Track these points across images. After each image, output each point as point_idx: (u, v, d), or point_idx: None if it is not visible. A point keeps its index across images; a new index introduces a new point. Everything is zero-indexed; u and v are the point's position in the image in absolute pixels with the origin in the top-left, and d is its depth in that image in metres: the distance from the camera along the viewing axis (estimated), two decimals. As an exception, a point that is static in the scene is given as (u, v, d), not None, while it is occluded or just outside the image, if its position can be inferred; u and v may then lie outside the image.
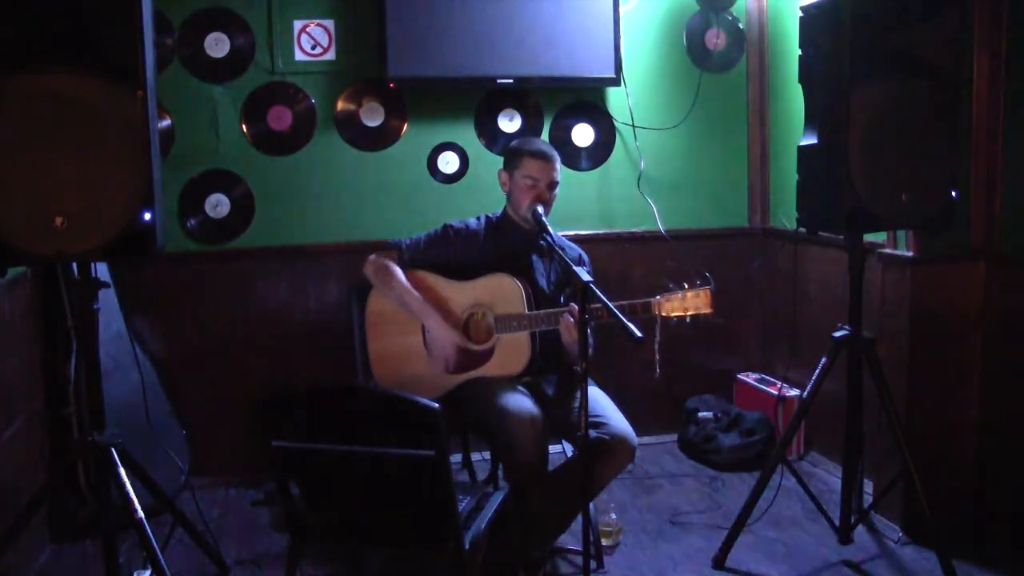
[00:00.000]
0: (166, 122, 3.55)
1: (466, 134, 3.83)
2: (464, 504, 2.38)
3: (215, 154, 3.62)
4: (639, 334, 2.16)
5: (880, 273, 3.14)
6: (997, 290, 3.04)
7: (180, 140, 3.59)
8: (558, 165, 2.93)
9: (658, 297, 2.76)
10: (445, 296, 2.90)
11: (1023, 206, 2.98)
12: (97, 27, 2.15)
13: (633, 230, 4.00)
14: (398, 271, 2.89)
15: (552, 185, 2.91)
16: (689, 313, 2.75)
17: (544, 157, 2.90)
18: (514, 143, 3.07)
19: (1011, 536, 2.95)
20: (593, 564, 2.89)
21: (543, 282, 2.98)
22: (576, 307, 2.48)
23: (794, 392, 3.82)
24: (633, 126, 3.94)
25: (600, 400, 2.82)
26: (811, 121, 2.70)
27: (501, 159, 3.07)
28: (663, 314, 2.75)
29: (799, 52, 2.73)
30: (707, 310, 2.75)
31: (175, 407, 3.52)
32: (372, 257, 2.95)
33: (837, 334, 2.81)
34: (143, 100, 2.18)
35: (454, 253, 2.96)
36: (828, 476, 3.62)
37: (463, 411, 2.81)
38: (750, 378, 4.10)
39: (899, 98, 2.59)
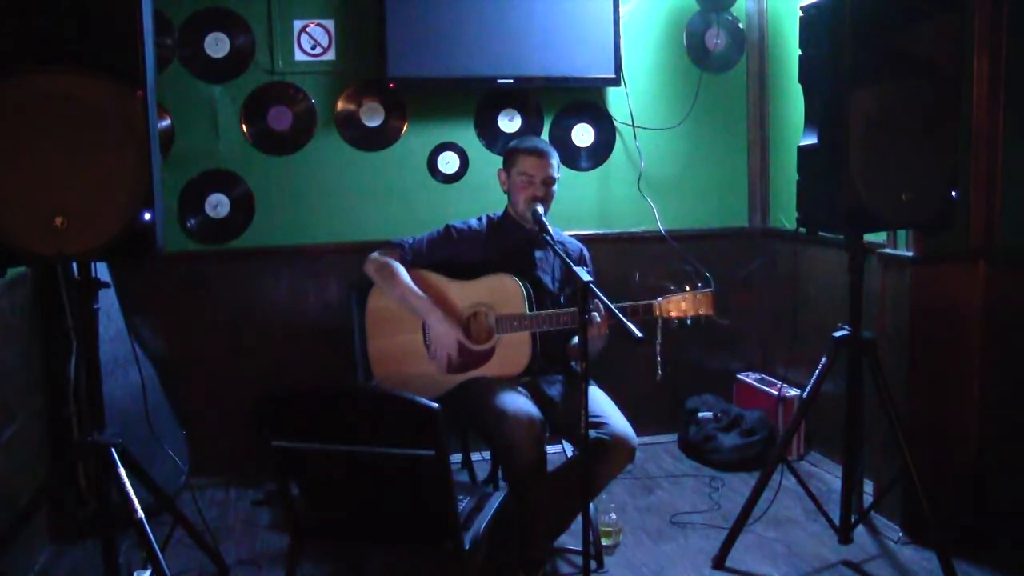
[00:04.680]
0: (166, 122, 3.55)
1: (466, 134, 3.83)
2: (464, 504, 2.38)
3: (215, 154, 3.62)
4: (639, 334, 2.16)
5: (880, 273, 3.14)
6: (997, 290, 3.04)
7: (180, 140, 3.58)
8: (554, 161, 2.93)
9: (659, 299, 2.76)
10: (447, 296, 2.90)
11: (1023, 206, 2.98)
12: (97, 27, 2.15)
13: (633, 230, 4.00)
14: (400, 268, 2.90)
15: (548, 181, 2.91)
16: (690, 315, 2.75)
17: (538, 153, 2.91)
18: (511, 143, 3.08)
19: (1011, 536, 2.95)
20: (593, 564, 2.89)
21: (547, 279, 2.99)
22: (602, 307, 2.48)
23: (794, 392, 3.82)
24: (633, 126, 3.94)
25: (600, 400, 2.82)
26: (811, 121, 2.71)
27: (501, 159, 3.07)
28: (664, 316, 2.75)
29: (799, 52, 2.73)
30: (709, 312, 2.74)
31: (175, 407, 3.52)
32: (374, 255, 2.95)
33: (837, 334, 2.81)
34: (143, 100, 2.18)
35: (456, 253, 2.97)
36: (828, 476, 3.62)
37: (463, 411, 2.81)
38: (750, 378, 4.10)
39: (899, 98, 2.59)
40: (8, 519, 2.55)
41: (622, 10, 3.75)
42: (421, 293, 2.85)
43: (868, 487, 3.19)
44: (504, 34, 3.63)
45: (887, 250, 3.13)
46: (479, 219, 3.07)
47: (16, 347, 2.97)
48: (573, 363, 2.97)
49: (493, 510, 2.40)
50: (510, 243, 2.98)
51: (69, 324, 3.14)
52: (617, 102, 3.94)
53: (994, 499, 3.06)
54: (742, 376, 4.14)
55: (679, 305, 2.75)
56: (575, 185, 3.92)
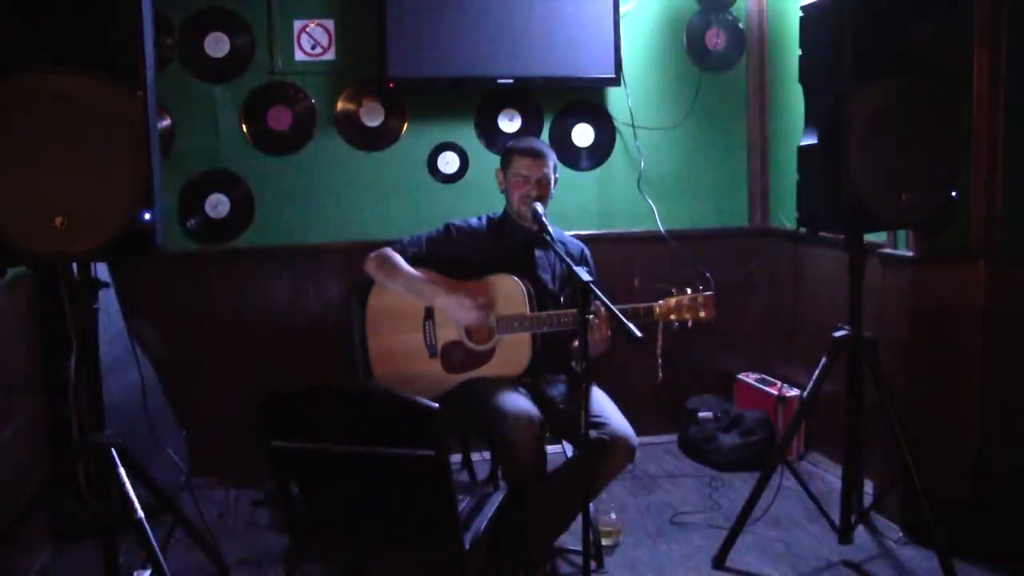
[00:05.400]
0: (166, 122, 3.55)
1: (466, 134, 3.83)
2: (464, 504, 2.38)
3: (215, 154, 3.62)
4: (639, 334, 2.16)
5: (880, 273, 3.14)
6: (997, 290, 3.04)
7: (180, 140, 3.59)
8: (550, 162, 2.93)
9: (660, 301, 2.76)
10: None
11: (1023, 206, 2.98)
12: (97, 27, 2.15)
13: (633, 230, 4.00)
14: (401, 259, 2.89)
15: (544, 181, 2.91)
16: (690, 318, 2.74)
17: (532, 153, 2.91)
18: (508, 143, 3.09)
19: (1011, 536, 2.95)
20: (593, 564, 2.89)
21: (547, 278, 2.98)
22: (603, 309, 2.48)
23: (794, 392, 3.82)
24: (633, 126, 3.94)
25: (600, 400, 2.82)
26: (811, 121, 2.71)
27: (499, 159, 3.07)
28: (665, 319, 2.75)
29: (799, 52, 2.73)
30: (710, 315, 2.74)
31: (175, 407, 3.52)
32: (372, 253, 2.95)
33: (837, 334, 2.81)
34: (143, 100, 2.18)
35: (455, 252, 2.96)
36: (828, 476, 3.62)
37: (463, 411, 2.81)
38: (750, 378, 4.10)
39: (899, 98, 2.59)
40: (8, 519, 2.54)
41: (622, 10, 3.76)
42: (424, 277, 2.85)
43: (868, 487, 3.18)
44: (504, 34, 3.63)
45: (887, 250, 3.13)
46: (479, 218, 3.07)
47: (16, 347, 2.97)
48: (573, 363, 2.97)
49: (493, 510, 2.40)
50: (510, 242, 2.98)
51: (69, 324, 3.13)
52: (617, 102, 3.94)
53: (994, 499, 3.06)
54: (742, 376, 4.14)
55: (680, 308, 2.75)
56: (575, 185, 3.92)
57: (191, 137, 3.59)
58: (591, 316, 2.54)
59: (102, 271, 3.15)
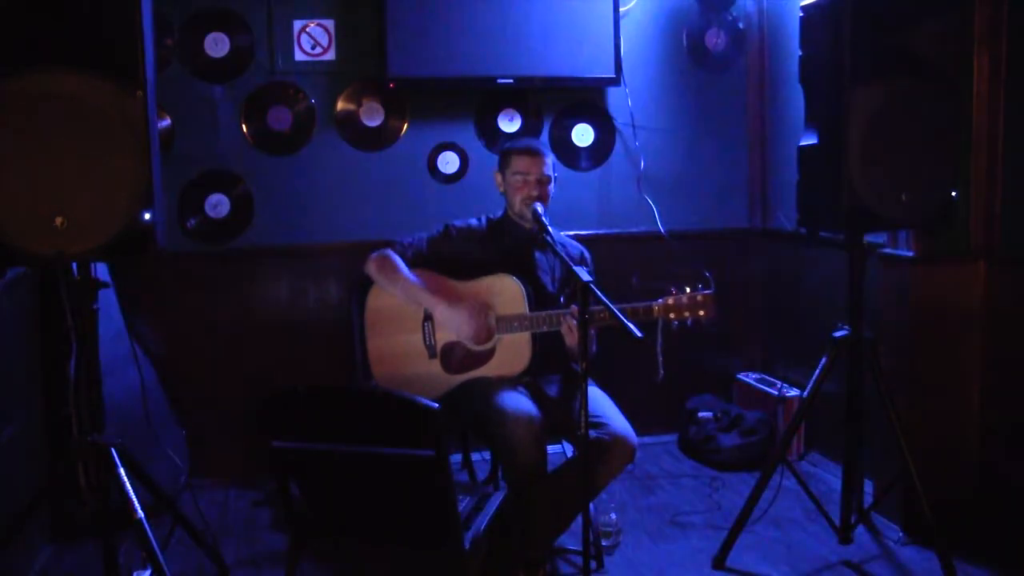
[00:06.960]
0: (166, 122, 3.55)
1: (466, 134, 3.83)
2: (464, 504, 2.38)
3: (215, 154, 3.62)
4: (639, 333, 2.16)
5: (880, 273, 3.14)
6: (997, 290, 3.04)
7: (180, 140, 3.58)
8: (547, 159, 2.94)
9: (659, 300, 2.76)
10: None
11: (1023, 206, 2.98)
12: (98, 27, 2.15)
13: (633, 230, 4.00)
14: (401, 263, 2.90)
15: (543, 179, 2.91)
16: (690, 317, 2.74)
17: (530, 152, 2.92)
18: (505, 144, 3.10)
19: (1011, 537, 2.95)
20: (593, 564, 2.89)
21: (546, 279, 2.98)
22: (576, 309, 2.49)
23: (794, 392, 3.82)
24: (633, 126, 3.94)
25: (600, 400, 2.82)
26: (811, 121, 2.71)
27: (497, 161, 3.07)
28: (664, 318, 2.75)
29: (799, 52, 2.73)
30: (708, 313, 2.74)
31: (175, 407, 3.52)
32: (373, 255, 2.95)
33: (837, 334, 2.81)
34: (143, 100, 2.18)
35: (455, 252, 2.97)
36: (828, 476, 3.62)
37: (463, 411, 2.81)
38: (750, 378, 4.10)
39: (899, 98, 2.59)
40: (8, 519, 2.55)
41: (622, 10, 3.76)
42: (425, 286, 2.85)
43: (868, 487, 3.19)
44: (504, 34, 3.63)
45: (887, 250, 3.13)
46: (478, 219, 3.07)
47: (16, 347, 2.97)
48: (573, 363, 2.97)
49: (493, 510, 2.40)
50: (509, 243, 2.98)
51: (69, 324, 3.13)
52: (617, 102, 3.94)
53: (994, 499, 3.06)
54: (742, 376, 4.14)
55: (678, 307, 2.75)
56: (575, 185, 3.92)
57: (191, 137, 3.59)
58: (570, 319, 2.56)
59: (102, 271, 3.15)
